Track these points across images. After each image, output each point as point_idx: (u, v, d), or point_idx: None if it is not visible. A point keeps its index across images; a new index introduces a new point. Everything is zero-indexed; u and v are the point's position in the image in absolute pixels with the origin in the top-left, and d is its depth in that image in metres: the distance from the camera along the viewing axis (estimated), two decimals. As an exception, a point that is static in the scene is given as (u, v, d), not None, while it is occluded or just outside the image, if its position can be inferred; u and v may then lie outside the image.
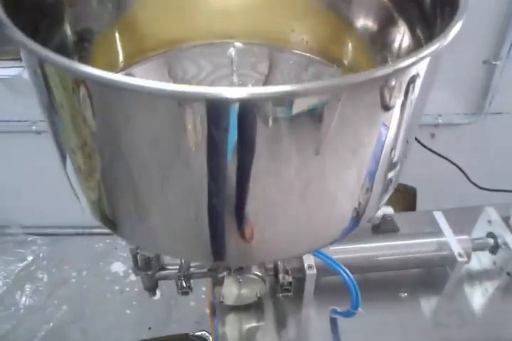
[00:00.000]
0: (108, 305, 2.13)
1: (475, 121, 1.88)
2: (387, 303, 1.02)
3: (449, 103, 1.82)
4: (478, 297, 1.03)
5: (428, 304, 1.02)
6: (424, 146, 1.42)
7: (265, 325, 1.00)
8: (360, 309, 0.91)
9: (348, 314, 0.92)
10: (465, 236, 1.01)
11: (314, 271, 0.94)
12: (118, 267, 2.29)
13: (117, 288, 2.20)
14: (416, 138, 1.33)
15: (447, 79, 1.63)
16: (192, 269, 0.98)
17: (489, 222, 1.04)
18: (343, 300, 0.90)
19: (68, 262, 2.31)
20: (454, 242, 0.99)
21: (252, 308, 1.01)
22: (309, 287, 0.96)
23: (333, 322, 0.98)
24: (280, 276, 0.95)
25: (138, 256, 0.93)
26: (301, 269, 0.95)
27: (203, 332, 1.50)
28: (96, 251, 2.36)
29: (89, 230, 2.41)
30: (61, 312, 2.12)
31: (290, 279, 0.95)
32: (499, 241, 1.01)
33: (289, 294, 0.98)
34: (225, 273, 0.93)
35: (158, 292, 1.05)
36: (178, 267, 0.98)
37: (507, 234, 1.00)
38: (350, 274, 0.90)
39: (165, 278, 1.00)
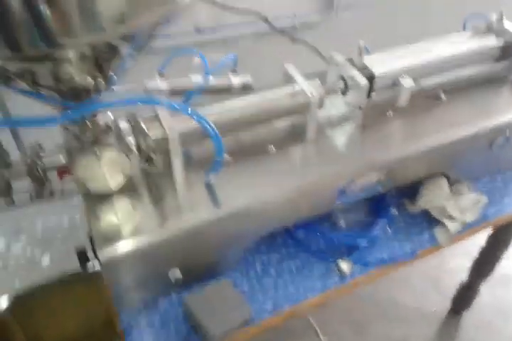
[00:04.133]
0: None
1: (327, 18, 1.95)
2: (258, 157, 1.01)
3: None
4: (339, 136, 1.06)
5: (295, 152, 1.03)
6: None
7: (138, 206, 0.94)
8: (225, 155, 0.88)
9: (215, 165, 0.90)
10: (316, 81, 1.03)
11: (176, 131, 0.89)
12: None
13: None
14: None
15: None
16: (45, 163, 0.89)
17: (337, 66, 1.06)
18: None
19: None
20: (307, 86, 1.00)
21: (122, 191, 0.95)
22: (175, 150, 0.91)
23: (208, 186, 0.96)
24: (140, 140, 0.89)
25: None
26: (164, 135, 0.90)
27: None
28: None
29: None
30: None
31: (152, 144, 0.89)
32: (348, 81, 1.04)
33: (155, 165, 0.93)
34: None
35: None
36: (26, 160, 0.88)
37: (353, 71, 1.03)
38: (210, 123, 0.87)
39: (17, 175, 0.89)
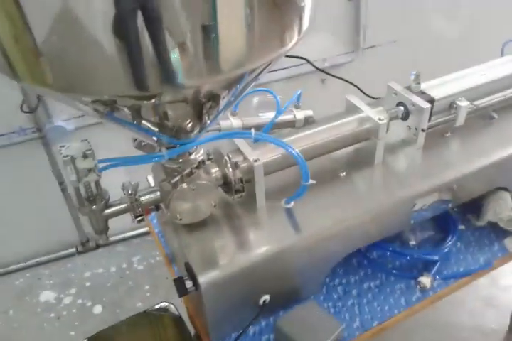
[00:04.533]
0: (48, 334, 1.95)
1: (355, 57, 2.07)
2: (331, 182, 1.07)
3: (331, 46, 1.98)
4: (402, 160, 1.14)
5: (365, 176, 1.10)
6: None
7: (226, 234, 1.00)
8: (310, 180, 0.95)
9: (301, 189, 0.96)
10: (380, 108, 1.10)
11: (261, 162, 0.96)
12: (47, 295, 2.10)
13: (53, 315, 2.02)
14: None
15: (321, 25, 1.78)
16: (141, 197, 0.95)
17: (395, 94, 1.14)
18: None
19: (-12, 307, 2.08)
20: (373, 113, 1.07)
21: (208, 223, 1.00)
22: (259, 179, 0.98)
23: (288, 211, 1.02)
24: (230, 173, 0.95)
25: (80, 187, 0.88)
26: (249, 166, 0.97)
27: (162, 304, 1.43)
28: (18, 288, 2.15)
29: (4, 269, 2.20)
30: (-2, 357, 1.90)
31: (240, 174, 0.96)
32: (408, 106, 1.12)
33: (242, 194, 0.99)
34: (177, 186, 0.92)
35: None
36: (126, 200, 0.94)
37: (413, 97, 1.11)
38: (296, 150, 0.94)
39: (115, 214, 0.95)
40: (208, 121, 0.84)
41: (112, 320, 1.91)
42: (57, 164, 1.94)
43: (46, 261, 2.23)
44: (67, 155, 0.83)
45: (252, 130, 0.92)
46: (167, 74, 0.66)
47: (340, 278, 1.13)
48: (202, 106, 0.81)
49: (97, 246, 2.29)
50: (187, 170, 0.91)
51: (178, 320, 1.41)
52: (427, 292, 1.09)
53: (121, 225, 2.28)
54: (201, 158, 0.94)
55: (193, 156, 0.93)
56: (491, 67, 1.23)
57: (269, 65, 0.76)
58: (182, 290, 0.96)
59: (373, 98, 1.55)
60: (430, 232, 1.21)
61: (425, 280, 1.09)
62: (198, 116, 0.82)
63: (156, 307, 1.43)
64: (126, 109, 0.77)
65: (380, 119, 1.05)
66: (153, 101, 0.74)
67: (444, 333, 1.86)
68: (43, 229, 2.14)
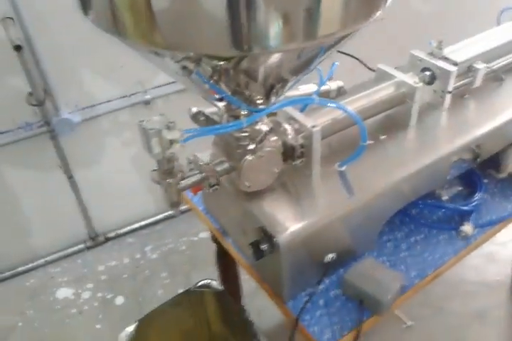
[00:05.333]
0: (72, 329, 1.95)
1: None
2: (375, 145, 1.15)
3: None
4: (432, 122, 1.23)
5: (403, 138, 1.19)
6: None
7: (288, 199, 1.06)
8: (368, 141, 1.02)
9: (360, 150, 1.04)
10: (410, 73, 1.19)
11: (319, 128, 1.02)
12: (64, 292, 2.09)
13: (74, 310, 2.01)
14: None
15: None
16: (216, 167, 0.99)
17: (420, 60, 1.23)
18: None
19: (4, 310, 2.05)
20: (406, 77, 1.16)
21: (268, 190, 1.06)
22: (317, 145, 1.04)
23: (342, 174, 1.10)
24: (292, 140, 1.01)
25: (162, 160, 0.92)
26: (307, 133, 1.03)
27: (205, 281, 1.47)
28: (30, 288, 2.13)
29: (11, 272, 2.17)
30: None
31: (302, 140, 1.02)
32: (435, 70, 1.21)
33: (303, 159, 1.06)
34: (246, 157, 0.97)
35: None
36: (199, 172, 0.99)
37: (439, 62, 1.20)
38: (353, 111, 1.01)
39: (191, 185, 0.99)
40: (284, 89, 0.90)
41: (137, 309, 1.95)
42: (65, 158, 1.93)
43: (56, 258, 2.21)
44: (152, 128, 0.86)
45: (315, 96, 0.98)
46: (262, 36, 0.70)
47: (387, 235, 1.22)
48: (282, 74, 0.87)
49: (106, 240, 2.29)
50: (259, 137, 0.96)
51: (220, 294, 1.46)
52: (468, 239, 1.19)
53: (128, 217, 2.31)
54: (268, 126, 1.00)
55: (258, 126, 0.99)
56: (499, 32, 1.34)
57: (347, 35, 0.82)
58: (258, 254, 1.01)
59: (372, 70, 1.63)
60: (458, 188, 1.31)
61: (467, 228, 1.19)
62: (278, 83, 0.87)
63: (199, 284, 1.47)
64: (210, 70, 0.82)
65: (415, 83, 1.14)
66: (243, 63, 0.79)
67: (453, 289, 1.99)
68: (51, 226, 2.13)
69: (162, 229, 2.37)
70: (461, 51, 1.25)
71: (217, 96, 0.93)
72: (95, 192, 2.14)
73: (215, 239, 1.56)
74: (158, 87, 1.92)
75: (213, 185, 1.00)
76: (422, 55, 1.23)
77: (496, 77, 1.34)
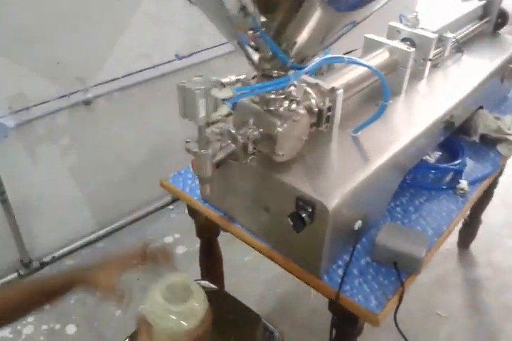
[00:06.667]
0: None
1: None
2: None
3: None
4: (419, 87, 1.31)
5: (398, 104, 1.23)
6: None
7: (316, 167, 1.03)
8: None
9: (380, 110, 1.05)
10: (396, 40, 1.24)
11: (341, 90, 1.01)
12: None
13: None
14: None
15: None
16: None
17: (398, 31, 1.28)
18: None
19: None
20: (399, 44, 1.21)
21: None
22: (339, 108, 1.03)
23: (357, 140, 1.10)
24: (319, 104, 0.99)
25: (204, 127, 0.83)
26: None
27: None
28: None
29: None
30: None
31: (329, 103, 1.00)
32: (415, 39, 1.26)
33: (327, 124, 1.04)
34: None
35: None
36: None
37: (418, 30, 1.26)
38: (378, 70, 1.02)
39: (227, 157, 0.91)
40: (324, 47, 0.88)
41: (95, 334, 1.74)
42: (-2, 172, 1.68)
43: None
44: (199, 88, 0.77)
45: (344, 55, 0.98)
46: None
47: (394, 201, 1.24)
48: (326, 33, 0.85)
49: (42, 265, 2.02)
50: (299, 97, 0.92)
51: (218, 293, 1.37)
52: (466, 196, 1.25)
53: (65, 236, 2.07)
54: (300, 90, 0.96)
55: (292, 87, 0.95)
56: (456, 4, 1.46)
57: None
58: (299, 224, 0.96)
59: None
60: (439, 153, 1.38)
61: (463, 185, 1.25)
62: (320, 42, 0.85)
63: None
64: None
65: (408, 48, 1.18)
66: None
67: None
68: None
69: (105, 246, 2.16)
70: (431, 22, 1.33)
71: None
72: (27, 209, 1.89)
73: (200, 234, 1.47)
74: (101, 84, 1.76)
75: (252, 153, 0.93)
76: (400, 26, 1.29)
77: (458, 48, 1.45)
